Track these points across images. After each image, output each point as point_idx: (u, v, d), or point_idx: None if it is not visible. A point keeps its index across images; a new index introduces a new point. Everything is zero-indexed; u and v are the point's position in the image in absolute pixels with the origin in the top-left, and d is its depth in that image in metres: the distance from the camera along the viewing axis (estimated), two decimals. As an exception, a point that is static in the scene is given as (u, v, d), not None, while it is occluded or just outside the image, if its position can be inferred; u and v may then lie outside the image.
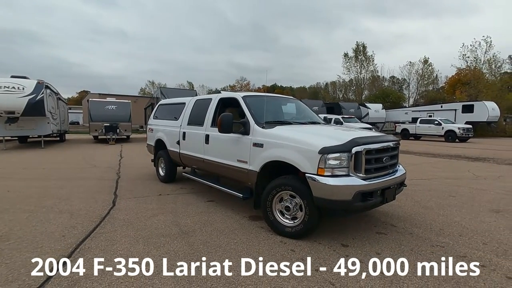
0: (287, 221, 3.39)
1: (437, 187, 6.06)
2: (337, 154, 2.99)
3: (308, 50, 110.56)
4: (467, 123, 22.64)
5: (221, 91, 6.34)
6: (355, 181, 2.99)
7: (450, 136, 20.51)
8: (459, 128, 20.32)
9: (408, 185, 5.15)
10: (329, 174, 2.98)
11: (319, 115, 5.46)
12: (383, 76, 54.46)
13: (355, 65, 50.10)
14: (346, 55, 50.63)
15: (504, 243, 3.26)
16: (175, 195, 5.21)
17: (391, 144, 3.56)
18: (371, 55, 49.51)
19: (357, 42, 53.77)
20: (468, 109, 25.13)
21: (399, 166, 3.85)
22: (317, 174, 3.00)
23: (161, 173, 6.41)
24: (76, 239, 3.25)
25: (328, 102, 36.39)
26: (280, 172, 3.54)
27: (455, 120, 24.07)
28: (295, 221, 3.33)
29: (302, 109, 5.20)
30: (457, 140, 20.25)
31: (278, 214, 3.46)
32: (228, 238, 3.34)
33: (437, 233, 3.55)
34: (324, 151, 2.98)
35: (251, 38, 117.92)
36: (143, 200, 4.86)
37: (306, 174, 3.08)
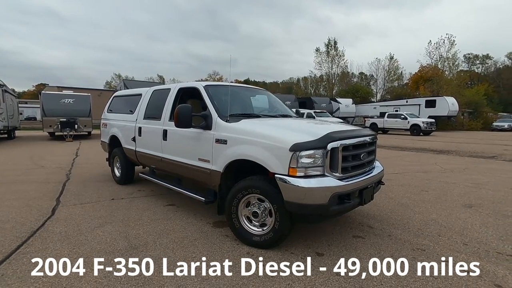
0: (255, 228, 2.95)
1: (409, 182, 5.97)
2: (311, 151, 2.59)
3: (270, 41, 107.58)
4: (430, 117, 23.82)
5: None
6: (331, 182, 2.61)
7: (415, 129, 21.41)
8: (423, 122, 21.28)
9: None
10: (301, 174, 2.57)
11: (292, 109, 5.04)
12: (352, 72, 56.18)
13: (327, 60, 51.05)
14: (317, 50, 51.39)
15: (484, 242, 3.08)
16: (131, 199, 4.56)
17: (367, 138, 3.23)
18: (342, 50, 50.70)
19: (328, 37, 54.77)
20: (430, 104, 26.50)
21: (376, 163, 3.56)
22: (288, 175, 2.58)
23: (117, 173, 5.68)
24: (-12, 264, 2.56)
25: (301, 97, 36.59)
26: (249, 172, 3.07)
27: (419, 115, 25.23)
28: (264, 228, 2.90)
29: (273, 101, 4.76)
30: (421, 133, 21.19)
31: (245, 221, 3.01)
32: (186, 251, 2.83)
33: (415, 233, 3.31)
34: (296, 148, 2.56)
35: (206, 25, 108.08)
36: (91, 207, 4.17)
37: (276, 175, 2.65)
